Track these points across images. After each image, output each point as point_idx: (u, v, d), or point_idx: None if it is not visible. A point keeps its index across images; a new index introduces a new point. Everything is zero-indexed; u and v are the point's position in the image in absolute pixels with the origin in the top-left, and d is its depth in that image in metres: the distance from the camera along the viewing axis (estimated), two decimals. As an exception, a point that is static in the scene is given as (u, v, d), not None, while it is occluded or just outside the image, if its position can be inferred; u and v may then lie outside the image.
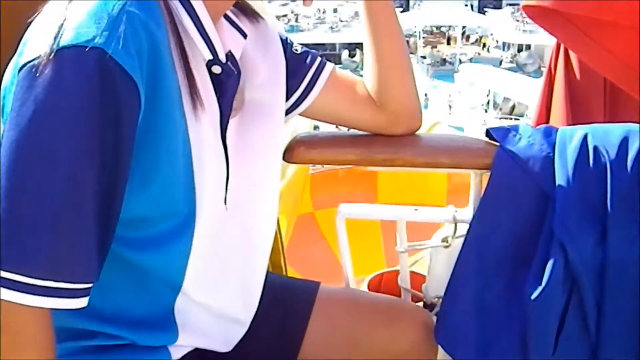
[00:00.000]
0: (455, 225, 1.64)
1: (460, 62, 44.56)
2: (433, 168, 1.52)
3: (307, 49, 1.61)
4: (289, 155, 1.59)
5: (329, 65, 1.62)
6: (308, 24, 57.79)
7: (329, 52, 53.03)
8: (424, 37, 52.59)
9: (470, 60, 46.82)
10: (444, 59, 50.72)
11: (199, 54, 1.21)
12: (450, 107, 37.92)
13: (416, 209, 1.70)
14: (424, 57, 50.29)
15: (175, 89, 1.13)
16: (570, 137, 1.47)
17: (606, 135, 1.45)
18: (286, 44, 1.57)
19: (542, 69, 47.48)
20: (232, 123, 1.35)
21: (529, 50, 50.89)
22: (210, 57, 1.22)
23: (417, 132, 1.62)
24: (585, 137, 1.46)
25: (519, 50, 51.94)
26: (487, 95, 35.37)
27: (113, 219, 1.05)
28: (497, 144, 1.50)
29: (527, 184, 1.46)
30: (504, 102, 35.64)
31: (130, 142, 1.03)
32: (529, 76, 41.28)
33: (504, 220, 1.49)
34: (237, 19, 1.42)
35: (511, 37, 53.13)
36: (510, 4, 64.16)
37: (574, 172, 1.42)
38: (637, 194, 1.40)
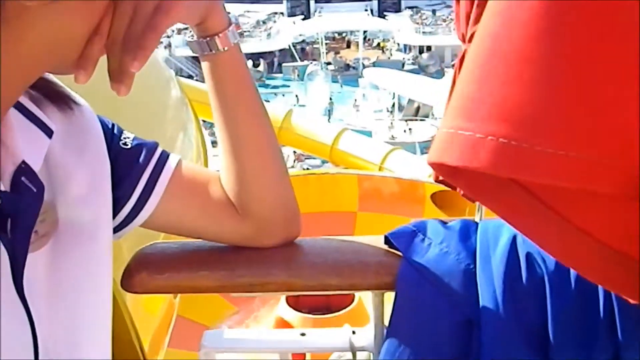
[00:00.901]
0: (354, 355, 1.25)
1: (364, 66, 44.83)
2: (319, 291, 1.14)
3: (141, 140, 1.20)
4: (127, 283, 1.17)
5: (172, 160, 1.20)
6: (209, 35, 56.77)
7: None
8: (326, 44, 52.80)
9: (374, 64, 47.23)
10: (348, 64, 51.06)
11: None
12: (357, 111, 38.15)
13: (303, 334, 1.29)
14: (328, 64, 50.47)
15: None
16: (494, 239, 1.12)
17: (541, 237, 1.10)
18: (112, 137, 1.14)
19: (444, 69, 48.55)
20: (38, 257, 0.94)
21: (430, 51, 51.96)
22: None
23: (298, 240, 1.23)
24: (513, 241, 1.11)
25: (420, 52, 52.92)
26: (392, 98, 35.71)
27: None
28: (400, 254, 1.14)
29: (443, 307, 1.11)
30: (408, 104, 36.08)
31: None
32: (432, 77, 42.09)
33: (416, 355, 1.13)
34: (38, 110, 1.00)
35: (412, 39, 54.11)
36: (409, 7, 65.50)
37: (504, 290, 1.07)
38: (583, 313, 1.06)
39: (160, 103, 2.10)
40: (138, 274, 1.17)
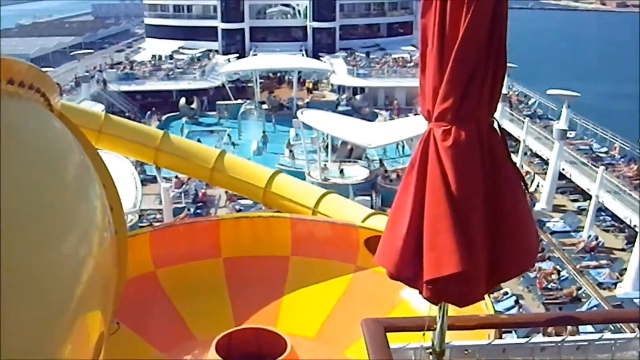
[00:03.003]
0: None
1: (298, 106, 45.05)
2: None
3: None
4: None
5: None
6: (144, 72, 56.41)
7: (166, 100, 51.99)
8: (260, 83, 52.90)
9: (307, 104, 47.53)
10: (282, 104, 51.20)
11: None
12: (291, 151, 38.17)
13: None
14: (262, 103, 50.50)
15: None
16: None
17: None
18: None
19: (376, 111, 49.25)
20: None
21: (364, 93, 52.68)
22: None
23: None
24: None
25: (354, 93, 53.59)
26: (326, 139, 35.90)
27: None
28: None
29: None
30: (342, 146, 36.33)
31: None
32: (365, 119, 42.60)
33: None
34: None
35: (346, 81, 54.82)
36: (343, 48, 66.53)
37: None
38: None
39: (56, 177, 1.97)
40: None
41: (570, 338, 3.71)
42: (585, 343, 3.71)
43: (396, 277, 3.11)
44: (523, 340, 3.73)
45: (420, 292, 3.10)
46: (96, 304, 2.08)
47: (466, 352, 3.65)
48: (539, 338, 3.90)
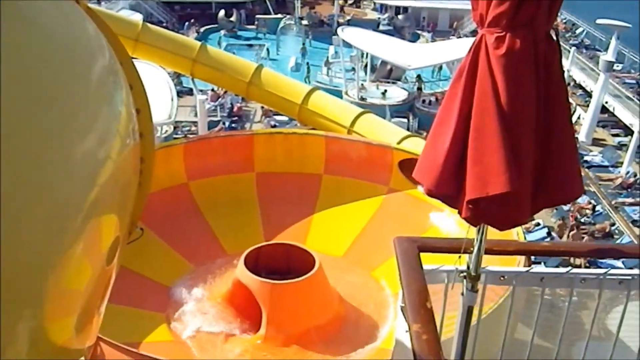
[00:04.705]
0: None
1: (339, 24, 44.16)
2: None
3: None
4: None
5: None
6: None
7: (204, 12, 51.42)
8: (301, -3, 51.98)
9: (348, 22, 46.55)
10: (322, 21, 50.26)
11: None
12: (328, 69, 37.66)
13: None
14: (302, 19, 49.62)
15: None
16: None
17: None
18: None
19: (419, 32, 48.13)
20: None
21: (406, 13, 51.36)
22: None
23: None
24: None
25: (397, 13, 52.29)
26: (365, 58, 35.26)
27: None
28: None
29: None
30: (381, 66, 35.67)
31: None
32: (406, 40, 41.66)
33: None
34: None
35: (388, -1, 53.54)
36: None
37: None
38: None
39: (80, 79, 1.85)
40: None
41: (613, 271, 3.52)
42: (629, 277, 3.52)
43: (435, 195, 2.91)
44: (563, 270, 3.55)
45: (460, 212, 2.90)
46: (113, 207, 1.99)
47: (502, 278, 3.49)
48: (579, 269, 3.71)
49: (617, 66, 35.34)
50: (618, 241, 21.46)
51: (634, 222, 23.25)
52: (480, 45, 2.68)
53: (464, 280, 3.33)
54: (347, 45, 33.44)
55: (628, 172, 26.58)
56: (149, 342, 8.61)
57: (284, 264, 10.18)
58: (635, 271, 3.66)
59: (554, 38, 2.75)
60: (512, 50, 2.60)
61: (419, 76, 35.16)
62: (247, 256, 9.58)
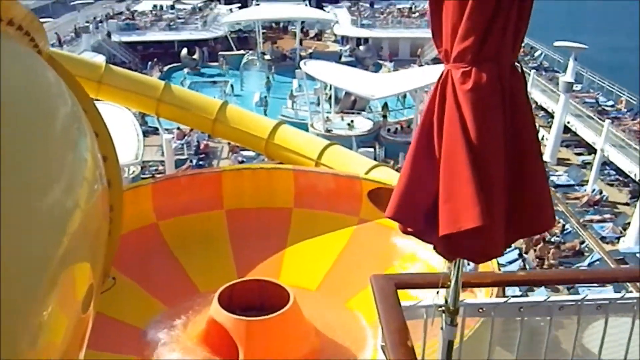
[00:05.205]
0: None
1: (301, 57, 44.46)
2: None
3: None
4: None
5: None
6: (145, 22, 55.63)
7: (167, 51, 51.39)
8: (263, 33, 52.16)
9: (311, 55, 46.88)
10: (285, 55, 50.56)
11: None
12: (293, 103, 37.76)
13: None
14: (264, 54, 49.88)
15: None
16: None
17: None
18: None
19: (381, 62, 48.63)
20: None
21: (367, 44, 51.91)
22: None
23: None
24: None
25: (358, 44, 52.83)
26: (329, 90, 35.45)
27: None
28: None
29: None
30: (345, 97, 35.87)
31: None
32: (369, 70, 42.04)
33: None
34: None
35: (350, 31, 53.99)
36: (348, -2, 65.53)
37: None
38: None
39: (42, 128, 1.80)
40: None
41: (590, 296, 3.52)
42: (606, 302, 3.52)
43: (409, 232, 2.88)
44: (541, 299, 3.53)
45: (435, 248, 2.88)
46: (84, 255, 1.94)
47: (480, 310, 3.46)
48: (557, 296, 3.70)
49: (577, 86, 36.00)
50: (588, 259, 21.65)
51: (602, 238, 23.52)
52: (447, 80, 2.67)
53: (443, 315, 3.29)
54: (311, 78, 33.61)
55: (594, 190, 26.98)
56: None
57: (258, 300, 10.08)
58: (612, 295, 3.66)
59: (519, 69, 2.76)
60: (478, 84, 2.60)
61: (385, 104, 35.41)
62: (220, 294, 9.48)
